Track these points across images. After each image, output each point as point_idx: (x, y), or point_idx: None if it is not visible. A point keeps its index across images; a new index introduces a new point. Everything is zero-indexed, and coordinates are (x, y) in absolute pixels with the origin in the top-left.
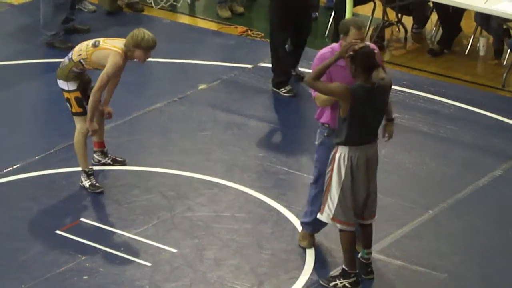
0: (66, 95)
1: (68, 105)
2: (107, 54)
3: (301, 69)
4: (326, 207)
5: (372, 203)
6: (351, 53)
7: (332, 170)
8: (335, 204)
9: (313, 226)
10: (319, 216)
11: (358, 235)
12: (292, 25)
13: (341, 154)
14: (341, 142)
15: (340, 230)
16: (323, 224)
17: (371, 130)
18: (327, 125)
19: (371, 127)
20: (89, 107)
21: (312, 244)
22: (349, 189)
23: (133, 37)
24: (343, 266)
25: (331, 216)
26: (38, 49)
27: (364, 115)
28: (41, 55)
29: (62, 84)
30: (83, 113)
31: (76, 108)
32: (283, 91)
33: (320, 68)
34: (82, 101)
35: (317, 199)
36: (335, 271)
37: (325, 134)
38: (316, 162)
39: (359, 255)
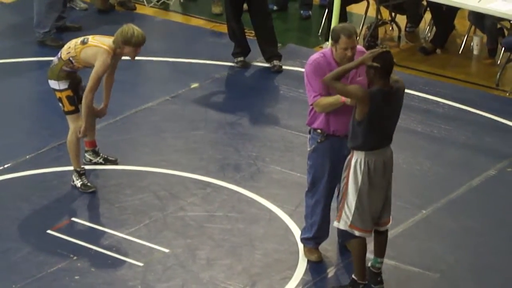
0: (58, 94)
1: (60, 104)
2: (96, 52)
3: (284, 65)
4: (343, 214)
5: (388, 207)
6: (377, 65)
7: (348, 176)
8: (352, 211)
9: (315, 239)
10: (335, 224)
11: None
12: (242, 0)
13: (357, 159)
14: (357, 146)
15: (353, 237)
16: (325, 235)
17: (387, 134)
18: (319, 131)
19: (388, 130)
20: (83, 109)
21: (321, 256)
22: (366, 195)
23: (122, 34)
24: (353, 276)
25: (349, 223)
26: (30, 47)
27: (382, 119)
28: (33, 53)
29: (54, 84)
30: (75, 111)
31: (68, 107)
32: (235, 61)
33: (341, 70)
34: (74, 100)
35: (316, 209)
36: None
37: (319, 140)
38: (310, 169)
39: (370, 263)
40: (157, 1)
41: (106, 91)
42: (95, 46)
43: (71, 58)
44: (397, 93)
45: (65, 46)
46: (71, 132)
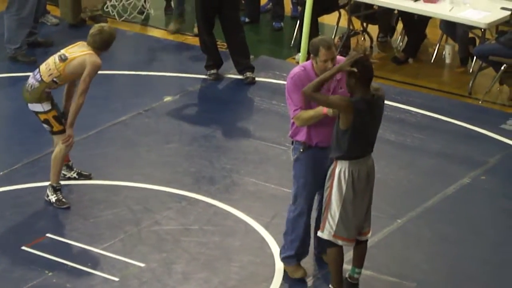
0: (43, 116)
1: (46, 126)
2: (82, 60)
3: (257, 77)
4: (327, 224)
5: (369, 216)
6: (354, 69)
7: (331, 185)
8: (336, 221)
9: (297, 256)
10: (319, 234)
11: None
12: (213, 13)
13: (341, 168)
14: (341, 156)
15: (329, 246)
16: (306, 251)
17: (370, 142)
18: (302, 141)
19: (371, 138)
20: (72, 111)
21: (305, 271)
22: (351, 204)
23: (103, 39)
24: (330, 286)
25: (333, 233)
26: (1, 63)
27: (366, 127)
28: (4, 69)
29: (36, 107)
30: (65, 130)
31: (57, 127)
32: (207, 73)
33: (320, 80)
34: (60, 119)
35: (299, 222)
36: None
37: (301, 150)
38: (294, 179)
39: (348, 274)
40: (128, 15)
41: (69, 101)
42: (78, 56)
43: (55, 79)
44: (378, 101)
45: (43, 69)
46: (59, 149)
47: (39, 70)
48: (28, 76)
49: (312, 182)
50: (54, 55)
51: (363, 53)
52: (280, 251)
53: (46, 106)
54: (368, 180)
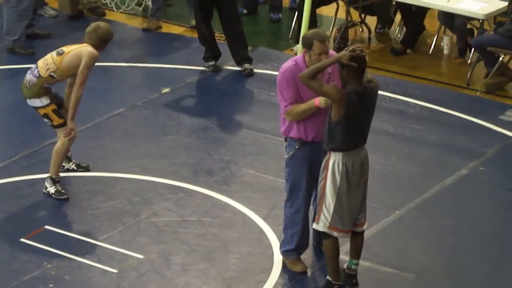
0: (42, 111)
1: (47, 120)
2: (78, 52)
3: (255, 69)
4: (322, 216)
5: (365, 206)
6: (354, 64)
7: (325, 177)
8: (331, 212)
9: (297, 250)
10: (314, 226)
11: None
12: (211, 5)
13: (335, 160)
14: (334, 147)
15: (325, 238)
16: (306, 245)
17: (363, 134)
18: (298, 138)
19: (364, 130)
20: (72, 104)
21: (305, 266)
22: (345, 195)
23: (99, 36)
24: (328, 277)
25: (328, 224)
26: None
27: (358, 119)
28: (2, 61)
29: (35, 102)
30: (65, 123)
31: (57, 120)
32: (206, 65)
33: (317, 67)
34: (60, 112)
35: (296, 218)
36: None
37: (297, 147)
38: (288, 176)
39: (345, 265)
40: (126, 7)
41: (69, 98)
42: (75, 49)
43: (52, 74)
44: (371, 93)
45: (41, 64)
46: (61, 142)
47: (37, 66)
48: (26, 69)
49: (310, 178)
50: (52, 52)
51: (363, 53)
52: (280, 244)
53: (44, 101)
54: (362, 171)
